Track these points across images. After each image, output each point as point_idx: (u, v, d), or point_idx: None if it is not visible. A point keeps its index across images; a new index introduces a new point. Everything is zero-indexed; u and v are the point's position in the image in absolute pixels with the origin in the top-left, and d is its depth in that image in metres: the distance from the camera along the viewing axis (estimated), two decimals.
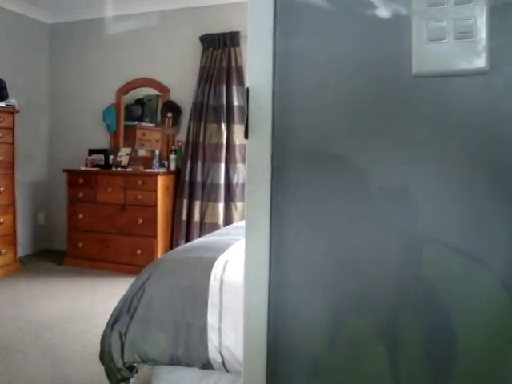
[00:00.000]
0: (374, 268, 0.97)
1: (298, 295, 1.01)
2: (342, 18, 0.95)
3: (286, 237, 0.99)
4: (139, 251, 5.03)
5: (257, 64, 0.94)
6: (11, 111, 4.89)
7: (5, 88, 4.90)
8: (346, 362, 1.00)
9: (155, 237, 5.00)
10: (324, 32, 0.96)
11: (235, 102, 5.05)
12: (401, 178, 0.94)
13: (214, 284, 2.20)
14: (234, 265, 2.28)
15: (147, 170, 5.21)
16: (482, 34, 0.84)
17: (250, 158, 0.97)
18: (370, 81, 0.94)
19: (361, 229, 0.97)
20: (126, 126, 5.87)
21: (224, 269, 2.25)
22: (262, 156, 0.94)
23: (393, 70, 0.92)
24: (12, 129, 4.91)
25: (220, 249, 2.50)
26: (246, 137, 0.96)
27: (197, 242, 2.96)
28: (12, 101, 4.93)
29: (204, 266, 2.29)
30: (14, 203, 5.01)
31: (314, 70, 0.96)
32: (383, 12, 0.91)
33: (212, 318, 2.16)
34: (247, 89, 0.95)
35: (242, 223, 3.85)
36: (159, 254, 5.00)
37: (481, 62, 0.84)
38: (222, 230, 3.62)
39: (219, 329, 2.15)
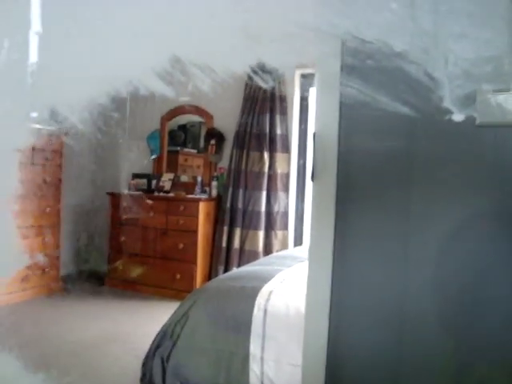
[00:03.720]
0: (428, 307, 0.99)
1: (358, 327, 1.03)
2: (398, 74, 1.00)
3: (347, 274, 1.02)
4: (178, 276, 5.06)
5: (324, 111, 0.98)
6: (60, 134, 5.02)
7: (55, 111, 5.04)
8: None
9: (195, 262, 5.03)
10: (398, 88, 1.00)
11: (278, 131, 5.08)
12: (460, 223, 0.96)
13: (257, 314, 2.22)
14: (278, 295, 2.29)
15: (189, 196, 5.27)
16: None
17: (315, 199, 1.00)
18: (434, 131, 0.97)
19: (408, 267, 0.99)
20: (168, 152, 5.94)
21: (268, 299, 2.26)
22: (326, 198, 0.96)
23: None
24: (60, 151, 5.05)
25: (264, 278, 2.51)
26: (312, 179, 0.99)
27: (240, 270, 2.98)
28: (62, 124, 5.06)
29: (248, 295, 2.31)
30: (58, 224, 5.12)
31: (376, 116, 1.00)
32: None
33: (254, 348, 2.17)
34: (314, 134, 0.99)
35: (285, 253, 3.86)
36: (198, 279, 5.03)
37: None
38: (265, 259, 3.64)
39: (261, 359, 2.16)
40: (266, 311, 2.22)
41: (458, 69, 0.92)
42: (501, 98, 0.90)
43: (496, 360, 0.97)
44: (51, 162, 4.95)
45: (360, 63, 1.01)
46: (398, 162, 1.01)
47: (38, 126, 4.68)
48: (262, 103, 5.12)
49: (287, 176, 5.17)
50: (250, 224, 5.09)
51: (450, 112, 0.95)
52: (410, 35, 0.95)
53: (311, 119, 5.10)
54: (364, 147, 1.01)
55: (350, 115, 1.00)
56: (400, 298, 1.01)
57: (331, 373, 1.05)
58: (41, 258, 4.77)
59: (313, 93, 5.26)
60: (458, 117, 0.94)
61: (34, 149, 4.75)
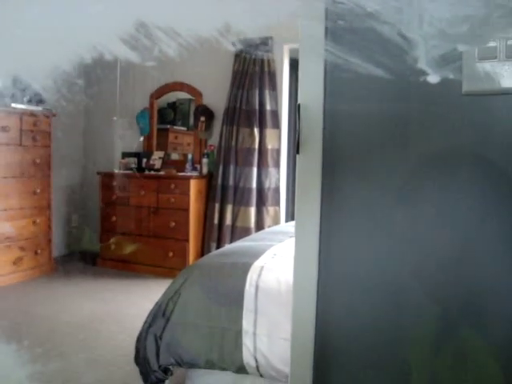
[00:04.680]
0: (412, 272, 0.99)
1: (346, 300, 1.03)
2: (371, 35, 0.98)
3: (334, 247, 1.01)
4: (171, 254, 5.07)
5: (308, 81, 0.96)
6: (48, 115, 4.98)
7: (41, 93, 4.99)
8: (398, 368, 1.02)
9: (187, 240, 5.04)
10: (371, 50, 0.98)
11: (268, 107, 5.06)
12: (444, 196, 0.96)
13: (249, 289, 2.22)
14: (269, 270, 2.29)
15: (180, 174, 5.26)
16: None
17: (300, 172, 0.98)
18: (421, 100, 0.95)
19: (395, 239, 0.99)
20: (158, 130, 5.92)
21: (260, 274, 2.26)
22: (312, 170, 0.95)
23: (444, 88, 0.94)
24: (49, 132, 5.01)
25: (255, 254, 2.51)
26: (298, 152, 0.98)
27: (231, 246, 2.98)
28: (49, 105, 5.02)
29: (240, 271, 2.31)
30: (49, 205, 5.10)
31: (362, 88, 0.99)
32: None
33: (247, 323, 2.18)
34: (299, 105, 0.97)
35: (276, 228, 3.86)
36: (191, 257, 5.04)
37: None
38: (256, 234, 3.63)
39: (254, 334, 2.17)
40: (257, 286, 2.22)
41: (433, 29, 0.90)
42: (487, 65, 0.89)
43: (491, 325, 0.97)
44: (40, 143, 4.91)
45: (331, 24, 0.99)
46: (386, 129, 0.99)
47: (23, 106, 4.65)
48: (251, 79, 5.09)
49: (278, 152, 5.16)
50: (241, 200, 5.10)
51: (425, 73, 0.94)
52: None
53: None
54: (350, 115, 1.00)
55: (333, 81, 0.99)
56: (390, 268, 1.01)
57: (320, 345, 1.05)
58: (8, 229, 4.70)
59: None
60: (433, 78, 0.93)
61: (21, 130, 4.71)
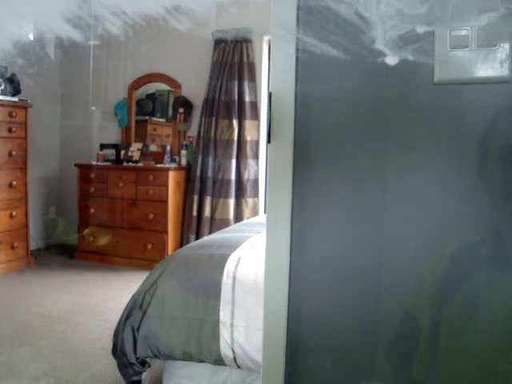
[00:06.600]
0: (386, 263, 0.99)
1: (318, 289, 1.03)
2: (327, 14, 0.97)
3: (305, 237, 1.01)
4: (150, 246, 5.06)
5: (280, 69, 0.95)
6: (24, 106, 4.92)
7: (18, 83, 4.92)
8: (370, 355, 1.02)
9: (166, 232, 5.02)
10: (311, 25, 0.97)
11: (247, 98, 5.05)
12: (414, 182, 0.96)
13: (226, 281, 2.22)
14: (247, 262, 2.29)
15: (158, 165, 5.23)
16: (506, 42, 0.84)
17: (271, 161, 0.98)
18: (392, 88, 0.95)
19: (367, 227, 0.99)
20: (137, 121, 5.88)
21: (237, 266, 2.26)
22: (283, 159, 0.95)
23: (415, 77, 0.93)
24: (25, 123, 4.94)
25: (233, 245, 2.51)
26: (269, 141, 0.97)
27: (209, 238, 2.97)
28: (24, 95, 4.96)
29: (217, 262, 2.31)
30: (26, 197, 5.04)
31: (334, 76, 0.98)
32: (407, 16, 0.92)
33: (224, 315, 2.18)
34: (270, 94, 0.96)
35: (255, 219, 3.86)
36: (170, 249, 5.03)
37: (504, 71, 0.85)
38: (234, 226, 3.63)
39: (231, 325, 2.17)
40: (234, 278, 2.22)
41: (390, 9, 0.90)
42: (459, 54, 0.89)
43: (464, 310, 0.98)
44: (16, 135, 4.84)
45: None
46: (358, 116, 0.99)
47: None
48: (230, 70, 5.07)
49: (257, 143, 5.16)
50: (220, 192, 5.09)
51: (382, 54, 0.93)
52: None
53: None
54: (322, 101, 0.99)
55: (304, 66, 0.98)
56: (362, 256, 1.01)
57: (292, 335, 1.05)
58: None
59: None
60: (391, 59, 0.93)
61: None
